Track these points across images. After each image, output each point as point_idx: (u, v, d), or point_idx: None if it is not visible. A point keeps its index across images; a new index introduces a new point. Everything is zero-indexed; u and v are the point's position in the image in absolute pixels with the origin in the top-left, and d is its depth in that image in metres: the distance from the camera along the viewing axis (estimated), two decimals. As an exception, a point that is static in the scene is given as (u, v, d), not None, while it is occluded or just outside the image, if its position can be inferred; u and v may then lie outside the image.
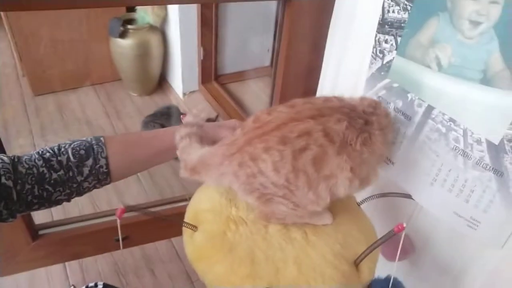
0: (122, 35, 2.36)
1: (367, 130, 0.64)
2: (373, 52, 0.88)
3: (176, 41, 2.41)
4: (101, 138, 0.74)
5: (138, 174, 2.01)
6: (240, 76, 2.71)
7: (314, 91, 1.16)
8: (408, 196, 0.84)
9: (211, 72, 2.57)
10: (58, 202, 0.72)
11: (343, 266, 0.64)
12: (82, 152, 0.71)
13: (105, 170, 0.73)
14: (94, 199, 1.86)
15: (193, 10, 2.29)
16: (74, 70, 2.59)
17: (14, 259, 1.23)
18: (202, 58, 2.46)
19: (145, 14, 2.38)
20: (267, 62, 2.79)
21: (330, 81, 1.09)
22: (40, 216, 1.54)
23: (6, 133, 2.26)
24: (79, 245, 1.30)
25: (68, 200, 0.74)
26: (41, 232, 1.23)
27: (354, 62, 0.98)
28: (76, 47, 2.50)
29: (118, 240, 0.73)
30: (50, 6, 0.77)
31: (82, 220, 1.30)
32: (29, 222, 1.19)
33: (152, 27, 2.44)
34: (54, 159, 0.69)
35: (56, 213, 1.70)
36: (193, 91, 2.62)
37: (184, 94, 2.60)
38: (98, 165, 0.72)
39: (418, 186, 0.82)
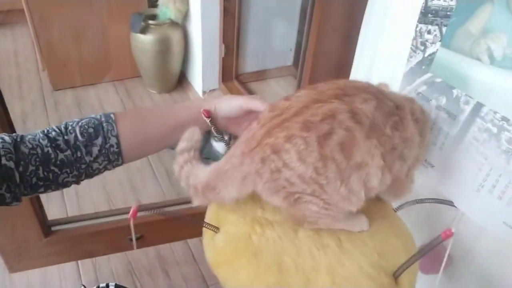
0: (143, 30, 2.33)
1: (398, 113, 0.57)
2: (412, 44, 0.81)
3: (198, 37, 2.37)
4: (111, 115, 0.69)
5: (155, 171, 1.97)
6: (261, 75, 2.65)
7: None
8: (450, 203, 0.76)
9: (232, 70, 2.52)
10: (66, 185, 0.67)
11: (382, 279, 0.57)
12: (91, 130, 0.66)
13: (116, 150, 0.68)
14: (109, 196, 1.82)
15: (216, 5, 2.24)
16: (95, 65, 2.57)
17: (26, 255, 1.19)
18: (223, 55, 2.41)
19: (166, 9, 2.34)
20: (289, 62, 2.73)
21: (362, 77, 1.02)
22: (53, 212, 1.51)
23: (24, 126, 2.25)
24: (92, 243, 1.26)
25: (77, 183, 0.69)
26: (54, 229, 1.19)
27: (390, 56, 0.91)
28: (97, 42, 2.48)
29: (131, 239, 0.68)
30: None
31: (97, 218, 1.25)
32: (42, 217, 1.15)
33: (173, 23, 2.40)
34: (61, 138, 0.64)
35: (70, 209, 1.66)
36: (213, 90, 2.57)
37: (204, 92, 2.55)
38: (108, 144, 0.67)
39: (462, 192, 0.74)
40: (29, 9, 2.25)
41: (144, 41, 2.36)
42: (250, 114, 0.73)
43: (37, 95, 2.51)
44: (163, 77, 2.57)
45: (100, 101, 2.52)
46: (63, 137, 0.65)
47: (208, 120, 0.78)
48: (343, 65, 1.07)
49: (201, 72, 2.47)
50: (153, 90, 2.63)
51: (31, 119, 2.32)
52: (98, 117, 0.68)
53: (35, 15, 2.27)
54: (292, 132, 0.52)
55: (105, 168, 0.70)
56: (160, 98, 2.59)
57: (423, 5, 0.76)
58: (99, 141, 0.66)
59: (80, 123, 0.67)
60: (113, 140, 0.67)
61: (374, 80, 0.98)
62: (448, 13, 0.72)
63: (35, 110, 2.39)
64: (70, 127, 0.66)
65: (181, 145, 0.64)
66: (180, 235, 1.41)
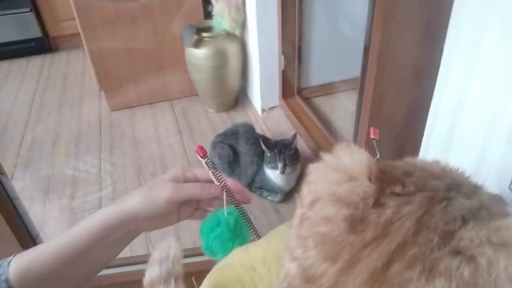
0: (197, 44, 2.14)
1: None
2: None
3: (255, 48, 2.12)
4: (11, 257, 0.54)
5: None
6: (327, 88, 2.29)
7: (425, 104, 0.75)
8: None
9: (293, 85, 2.23)
10: None
11: None
12: None
13: None
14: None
15: (273, 12, 1.98)
16: (151, 84, 2.44)
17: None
18: (283, 68, 2.13)
19: (221, 19, 2.14)
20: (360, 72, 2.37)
21: (454, 86, 0.68)
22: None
23: (77, 149, 2.18)
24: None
25: None
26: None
27: (501, 45, 0.57)
28: (152, 60, 2.36)
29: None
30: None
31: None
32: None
33: (229, 35, 2.18)
34: None
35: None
36: (273, 107, 2.30)
37: (263, 110, 2.29)
38: None
39: None
40: (84, 31, 2.19)
41: (198, 56, 2.17)
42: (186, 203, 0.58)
43: (94, 116, 2.44)
44: (221, 94, 2.37)
45: (155, 121, 2.37)
46: None
47: (204, 161, 0.56)
48: (423, 69, 0.74)
49: (259, 88, 2.21)
50: (210, 109, 2.43)
51: (84, 142, 2.24)
52: None
53: (89, 36, 2.21)
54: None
55: None
56: (217, 118, 2.38)
57: None
58: None
59: None
60: (2, 286, 0.51)
61: (475, 88, 0.64)
62: None
63: (90, 132, 2.31)
64: None
65: (151, 272, 0.41)
66: None
